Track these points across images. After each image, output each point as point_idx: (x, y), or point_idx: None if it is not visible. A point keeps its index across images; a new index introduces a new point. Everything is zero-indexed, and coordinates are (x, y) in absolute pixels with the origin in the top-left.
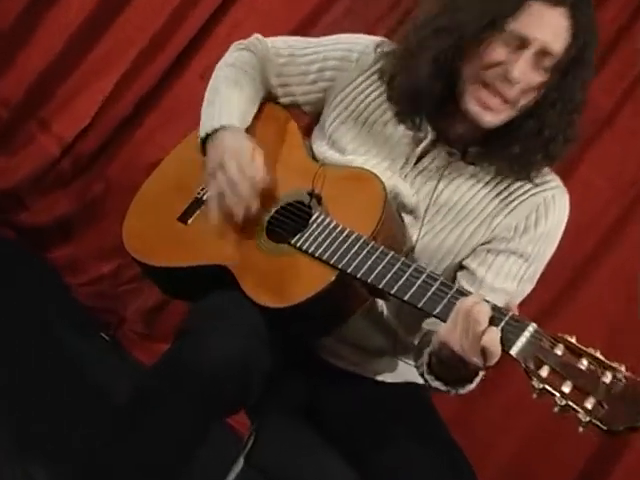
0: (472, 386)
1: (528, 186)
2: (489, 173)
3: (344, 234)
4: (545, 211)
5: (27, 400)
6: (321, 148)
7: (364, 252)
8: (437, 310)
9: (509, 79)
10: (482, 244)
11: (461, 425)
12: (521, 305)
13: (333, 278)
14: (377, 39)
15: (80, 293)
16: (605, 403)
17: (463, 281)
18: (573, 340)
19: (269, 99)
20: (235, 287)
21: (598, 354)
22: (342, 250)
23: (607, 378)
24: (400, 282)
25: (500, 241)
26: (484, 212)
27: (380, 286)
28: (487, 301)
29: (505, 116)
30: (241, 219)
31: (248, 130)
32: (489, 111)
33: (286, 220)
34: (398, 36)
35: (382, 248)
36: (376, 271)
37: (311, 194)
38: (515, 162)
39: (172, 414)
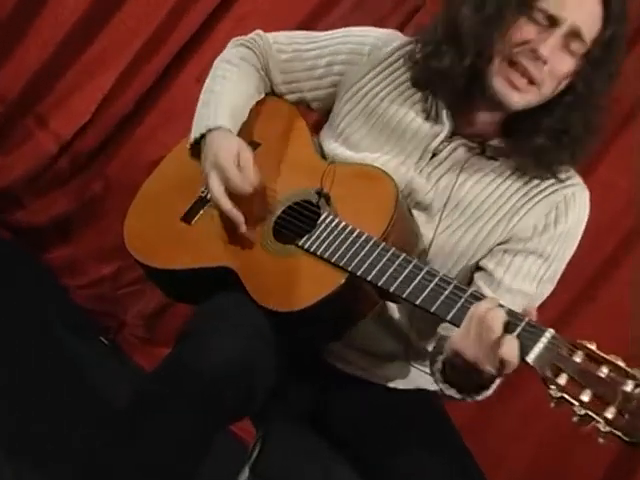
0: (489, 392)
1: (547, 183)
2: (508, 169)
3: (354, 235)
4: (565, 209)
5: (27, 400)
6: (331, 146)
7: (374, 254)
8: (450, 315)
9: (538, 56)
10: (499, 244)
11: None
12: (539, 306)
13: (343, 281)
14: (389, 32)
15: (79, 295)
16: (626, 412)
17: (480, 282)
18: (593, 347)
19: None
20: (240, 289)
21: (619, 362)
22: (352, 252)
23: (628, 387)
24: (412, 285)
25: (518, 241)
26: (502, 209)
27: (391, 290)
28: (502, 306)
29: (531, 97)
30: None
31: (250, 128)
32: (516, 91)
33: (293, 220)
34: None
35: (393, 250)
36: (387, 274)
37: (319, 193)
38: (541, 158)
39: (172, 418)
